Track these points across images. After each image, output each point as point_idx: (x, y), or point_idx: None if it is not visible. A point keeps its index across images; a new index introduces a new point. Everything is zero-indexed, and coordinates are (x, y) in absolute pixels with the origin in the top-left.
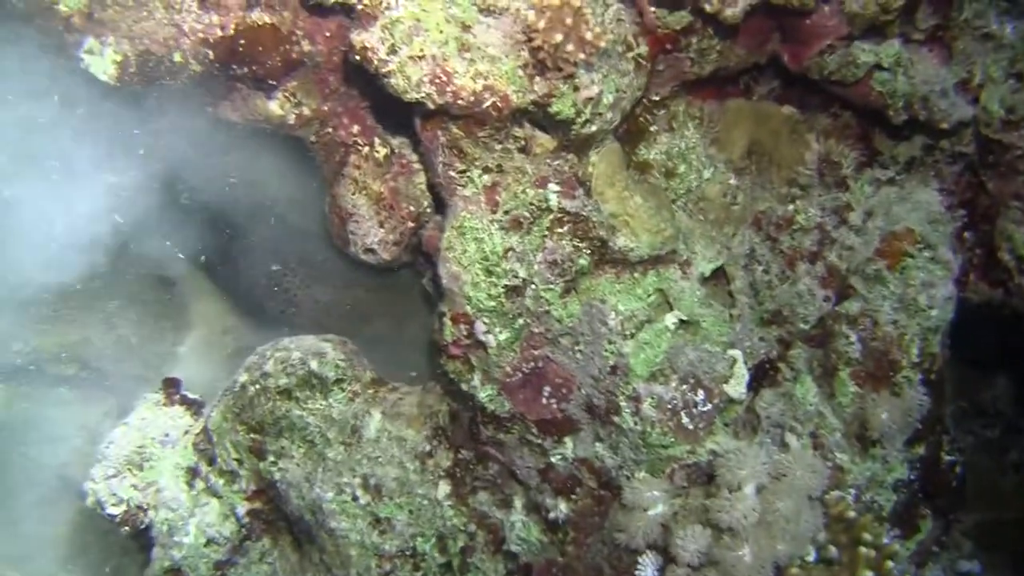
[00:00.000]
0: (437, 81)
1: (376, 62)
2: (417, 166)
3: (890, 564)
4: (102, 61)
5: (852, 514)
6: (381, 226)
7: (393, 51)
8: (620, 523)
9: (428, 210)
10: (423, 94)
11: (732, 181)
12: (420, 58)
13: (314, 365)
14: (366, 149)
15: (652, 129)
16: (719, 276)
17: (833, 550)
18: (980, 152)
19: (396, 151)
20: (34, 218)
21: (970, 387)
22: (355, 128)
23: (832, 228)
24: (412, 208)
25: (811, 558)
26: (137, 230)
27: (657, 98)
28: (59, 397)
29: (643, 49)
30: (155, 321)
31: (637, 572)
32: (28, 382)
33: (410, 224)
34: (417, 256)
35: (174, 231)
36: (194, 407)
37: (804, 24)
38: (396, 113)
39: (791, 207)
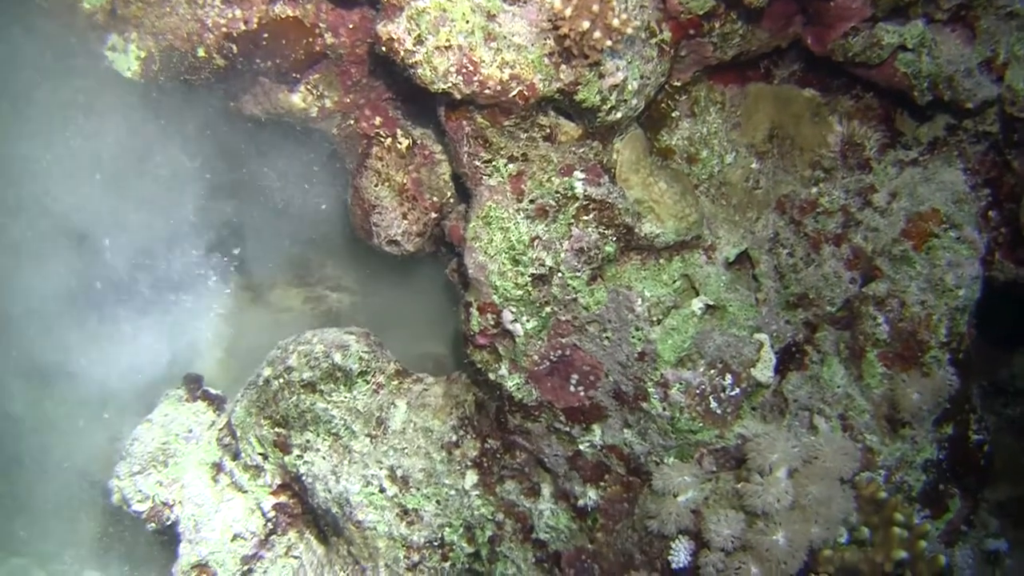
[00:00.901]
0: (464, 71)
1: (403, 53)
2: (439, 156)
3: (923, 544)
4: (125, 58)
5: (883, 495)
6: (404, 217)
7: (420, 41)
8: (651, 509)
9: (451, 200)
10: (450, 84)
11: (754, 165)
12: (447, 48)
13: (338, 358)
14: (388, 140)
15: (674, 115)
16: (743, 260)
17: (865, 531)
18: (1004, 131)
19: (418, 142)
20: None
21: (988, 365)
22: (377, 120)
23: (856, 210)
24: (435, 199)
25: (843, 540)
26: (158, 229)
27: (679, 84)
28: (83, 396)
29: (666, 35)
30: (174, 318)
31: (670, 557)
32: (52, 382)
33: (433, 215)
34: (440, 246)
35: (196, 227)
36: (216, 402)
37: (829, 6)
38: (418, 104)
39: (814, 190)
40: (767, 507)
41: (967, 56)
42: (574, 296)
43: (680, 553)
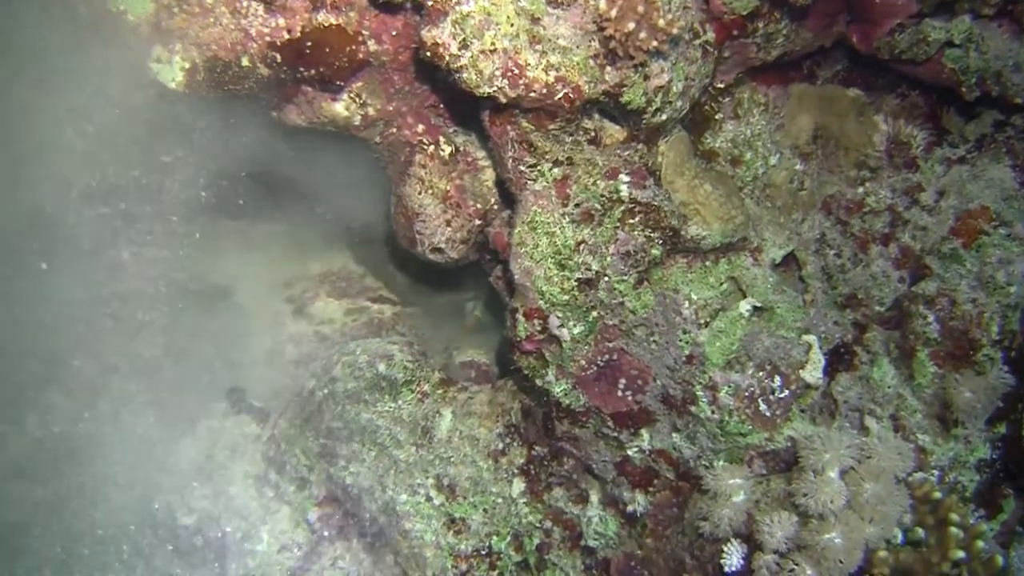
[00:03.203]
0: (510, 74)
1: (448, 57)
2: (483, 163)
3: (980, 544)
4: (170, 69)
5: (938, 495)
6: (448, 224)
7: (465, 46)
8: (703, 512)
9: (495, 207)
10: (495, 88)
11: (799, 167)
12: (492, 52)
13: (382, 368)
14: (431, 148)
15: (718, 117)
16: (790, 262)
17: (920, 531)
18: None
19: (461, 149)
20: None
21: None
22: (420, 127)
23: (904, 209)
24: (479, 205)
25: (899, 540)
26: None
27: (722, 85)
28: (126, 411)
29: (710, 36)
30: (215, 331)
31: (722, 561)
32: (95, 397)
33: (477, 221)
34: (483, 254)
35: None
36: (260, 415)
37: (875, 3)
38: (460, 111)
39: (860, 190)
40: (821, 507)
41: (1015, 51)
42: (621, 300)
43: (733, 556)
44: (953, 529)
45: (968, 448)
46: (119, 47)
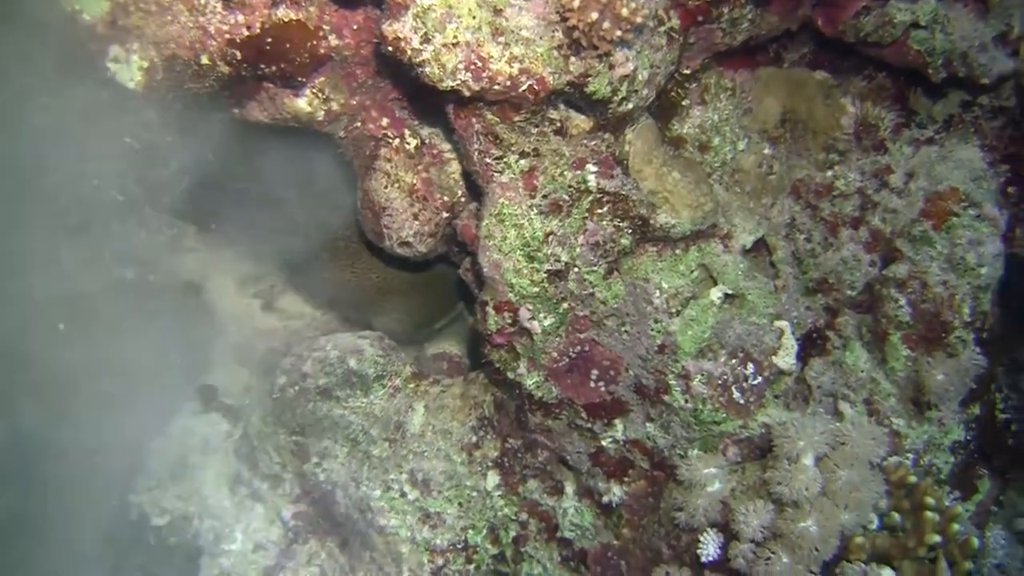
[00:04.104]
0: (473, 67)
1: (410, 52)
2: (448, 155)
3: (956, 526)
4: (128, 69)
5: (913, 479)
6: (416, 218)
7: (427, 40)
8: (678, 502)
9: (462, 199)
10: (459, 81)
11: (767, 151)
12: (454, 45)
13: (353, 363)
14: (396, 141)
15: (684, 103)
16: (760, 248)
17: (896, 516)
18: (1021, 106)
19: (426, 141)
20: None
21: (1009, 343)
22: (384, 121)
23: (873, 192)
24: (446, 198)
25: (874, 526)
26: (165, 236)
27: (688, 71)
28: (97, 412)
29: (675, 22)
30: (185, 329)
31: (699, 551)
32: (63, 398)
33: (444, 214)
34: (451, 246)
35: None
36: (231, 413)
37: None
38: (424, 103)
39: (830, 173)
40: (796, 494)
41: (981, 31)
42: (591, 291)
43: (709, 546)
44: (929, 513)
45: (942, 430)
46: (75, 47)
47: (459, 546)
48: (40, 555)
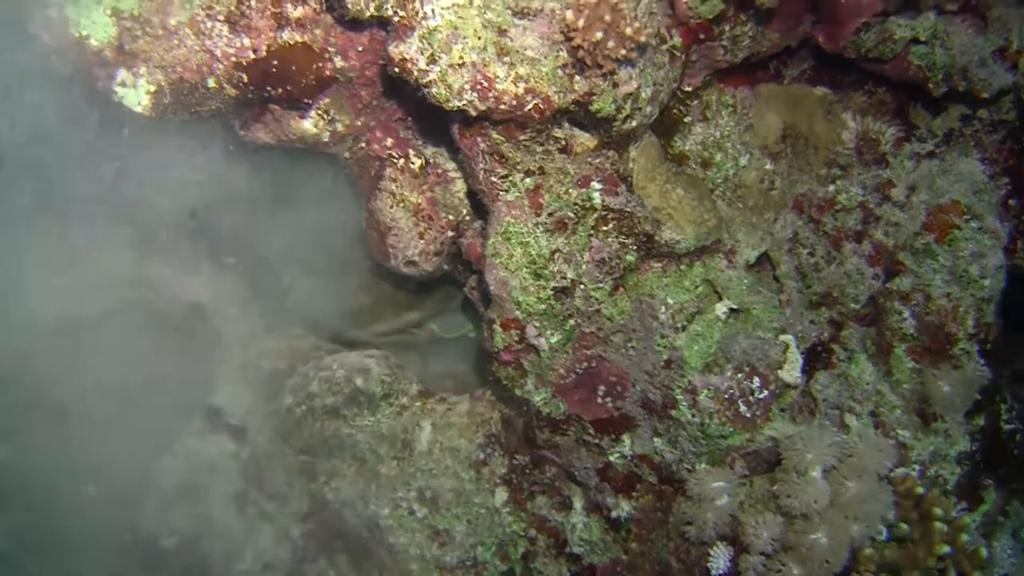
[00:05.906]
0: (479, 87)
1: (416, 73)
2: (453, 174)
3: (964, 537)
4: (136, 93)
5: (920, 490)
6: (421, 237)
7: (433, 60)
8: (687, 516)
9: (467, 218)
10: (465, 101)
11: (768, 166)
12: (460, 66)
13: (359, 382)
14: (402, 161)
15: (686, 120)
16: (764, 262)
17: (904, 527)
18: (1021, 118)
19: (431, 161)
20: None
21: (1011, 354)
22: (389, 141)
23: (875, 206)
24: (451, 217)
25: (883, 537)
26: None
27: (690, 89)
28: (104, 434)
29: (677, 40)
30: (190, 350)
31: (709, 564)
32: (70, 421)
33: (449, 233)
34: (457, 265)
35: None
36: (237, 433)
37: (839, 3)
38: (429, 123)
39: (832, 188)
40: (805, 507)
41: (980, 46)
42: (597, 307)
43: (719, 559)
44: (937, 524)
45: (948, 442)
46: (82, 72)
47: (468, 563)
48: None
